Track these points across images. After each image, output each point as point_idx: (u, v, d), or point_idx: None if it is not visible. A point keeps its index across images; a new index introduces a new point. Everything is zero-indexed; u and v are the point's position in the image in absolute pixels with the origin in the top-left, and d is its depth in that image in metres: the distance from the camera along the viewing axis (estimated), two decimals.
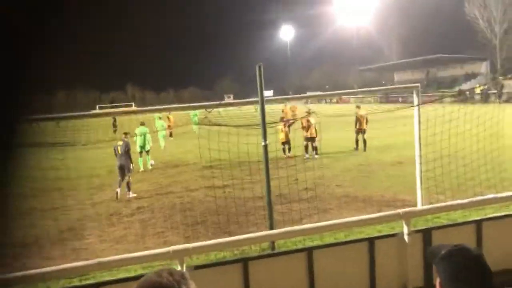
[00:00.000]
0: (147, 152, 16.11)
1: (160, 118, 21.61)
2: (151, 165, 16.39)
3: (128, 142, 12.29)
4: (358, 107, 17.81)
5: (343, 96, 52.64)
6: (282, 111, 21.12)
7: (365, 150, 16.70)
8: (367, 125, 16.97)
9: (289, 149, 16.29)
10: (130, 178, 11.86)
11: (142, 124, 16.82)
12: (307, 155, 15.55)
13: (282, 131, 15.74)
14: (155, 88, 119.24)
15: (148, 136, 16.10)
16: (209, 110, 6.17)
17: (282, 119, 16.55)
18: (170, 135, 24.81)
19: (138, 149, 15.76)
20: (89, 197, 11.50)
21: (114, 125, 28.32)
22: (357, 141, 17.13)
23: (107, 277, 5.45)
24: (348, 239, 6.16)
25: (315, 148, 15.76)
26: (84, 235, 8.46)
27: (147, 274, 1.30)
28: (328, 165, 13.74)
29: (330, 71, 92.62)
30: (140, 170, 15.67)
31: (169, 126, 23.03)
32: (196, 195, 11.00)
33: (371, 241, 5.07)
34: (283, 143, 16.23)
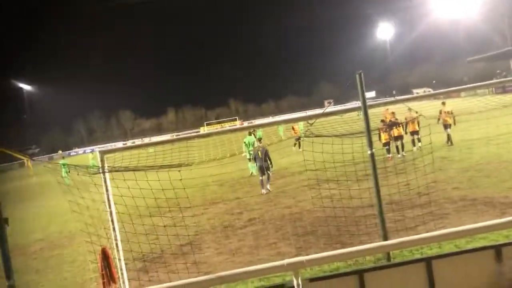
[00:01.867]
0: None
1: (250, 134, 20.38)
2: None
3: (265, 147, 14.56)
4: (443, 103, 18.48)
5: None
6: (383, 115, 20.59)
7: (452, 144, 17.39)
8: (454, 120, 17.86)
9: (389, 150, 16.93)
10: (270, 174, 14.35)
11: (250, 134, 18.89)
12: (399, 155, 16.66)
13: (383, 133, 16.21)
14: (256, 100, 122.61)
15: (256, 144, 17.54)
16: (310, 122, 6.20)
17: (382, 122, 16.88)
18: (295, 145, 23.97)
19: (248, 156, 17.85)
20: (203, 211, 12.19)
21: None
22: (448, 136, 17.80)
23: None
24: (470, 246, 5.76)
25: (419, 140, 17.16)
26: (202, 248, 8.95)
27: None
28: (441, 167, 12.94)
29: (435, 66, 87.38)
30: (252, 173, 17.72)
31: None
32: (304, 205, 11.05)
33: (497, 248, 4.68)
34: (384, 144, 16.74)
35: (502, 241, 5.59)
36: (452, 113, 17.69)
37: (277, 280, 5.78)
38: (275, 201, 12.43)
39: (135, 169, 6.15)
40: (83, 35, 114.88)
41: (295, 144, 23.47)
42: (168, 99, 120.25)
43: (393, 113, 17.72)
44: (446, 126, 17.72)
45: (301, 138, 18.21)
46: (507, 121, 13.80)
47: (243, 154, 18.44)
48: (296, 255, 7.31)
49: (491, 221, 5.37)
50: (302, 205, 11.17)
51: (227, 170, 18.26)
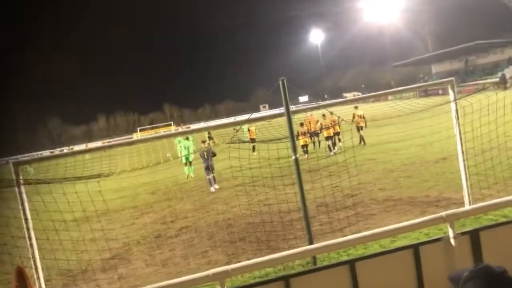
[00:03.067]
0: (190, 163, 18.78)
1: (187, 138, 20.23)
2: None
3: (211, 148, 15.81)
4: (356, 107, 20.28)
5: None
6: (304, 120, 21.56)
7: (365, 144, 19.32)
8: (365, 123, 19.50)
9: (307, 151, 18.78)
10: (215, 174, 15.45)
11: (187, 138, 19.21)
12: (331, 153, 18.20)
13: (301, 137, 18.26)
14: (191, 105, 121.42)
15: (191, 149, 18.94)
16: (236, 128, 6.15)
17: (301, 125, 19.26)
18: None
19: (184, 160, 18.31)
20: (132, 221, 11.77)
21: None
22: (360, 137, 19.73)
23: None
24: (393, 246, 5.95)
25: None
26: (131, 260, 8.61)
27: None
28: (368, 169, 13.44)
29: (364, 70, 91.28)
30: (190, 175, 18.53)
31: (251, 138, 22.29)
32: (236, 211, 11.00)
33: (415, 247, 4.86)
34: (302, 146, 18.58)
35: (421, 239, 5.84)
36: (364, 116, 19.48)
37: None
38: (208, 207, 12.28)
39: (50, 181, 5.75)
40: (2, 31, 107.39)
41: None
42: (99, 105, 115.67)
43: (317, 121, 19.27)
44: (359, 128, 19.58)
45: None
46: (429, 123, 14.61)
47: (180, 158, 18.54)
48: (227, 263, 7.22)
49: (407, 222, 5.59)
50: (234, 211, 11.10)
51: (160, 177, 17.84)
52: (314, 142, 20.87)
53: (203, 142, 17.24)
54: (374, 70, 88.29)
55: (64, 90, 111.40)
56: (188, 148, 18.64)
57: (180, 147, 18.98)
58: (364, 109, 20.49)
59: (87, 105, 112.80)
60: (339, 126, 18.49)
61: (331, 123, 18.64)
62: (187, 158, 18.31)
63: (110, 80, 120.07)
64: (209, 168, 15.29)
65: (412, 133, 16.91)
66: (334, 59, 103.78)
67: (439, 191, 9.63)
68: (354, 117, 19.45)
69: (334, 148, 18.81)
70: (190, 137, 20.34)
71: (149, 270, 7.94)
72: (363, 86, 79.50)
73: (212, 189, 15.07)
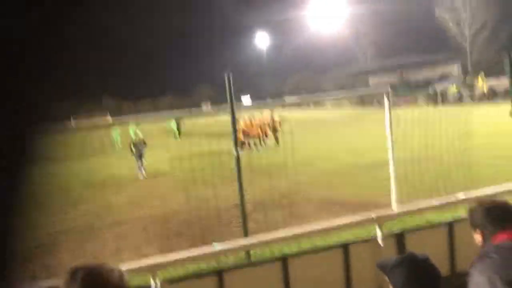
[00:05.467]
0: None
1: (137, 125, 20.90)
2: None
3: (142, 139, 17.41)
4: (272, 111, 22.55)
5: (319, 102, 52.91)
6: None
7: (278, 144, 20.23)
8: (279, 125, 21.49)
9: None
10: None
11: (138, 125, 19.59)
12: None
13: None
14: (131, 97, 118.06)
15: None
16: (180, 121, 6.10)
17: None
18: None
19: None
20: (63, 211, 11.29)
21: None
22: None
23: None
24: (324, 244, 6.17)
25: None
26: (58, 252, 8.26)
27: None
28: (304, 171, 13.78)
29: (306, 77, 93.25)
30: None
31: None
32: (172, 206, 10.87)
33: (345, 246, 5.08)
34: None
35: (350, 239, 6.10)
36: (279, 121, 21.80)
37: (136, 282, 5.56)
38: (143, 202, 12.04)
39: None
40: None
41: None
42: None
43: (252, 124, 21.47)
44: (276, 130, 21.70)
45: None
46: (362, 130, 15.27)
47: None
48: None
49: (339, 221, 5.83)
50: (170, 206, 10.96)
51: (93, 169, 17.26)
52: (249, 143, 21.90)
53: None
54: (314, 78, 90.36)
55: None
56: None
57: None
58: (303, 114, 21.08)
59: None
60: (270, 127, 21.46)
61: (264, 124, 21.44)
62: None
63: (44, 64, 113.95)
64: (141, 156, 16.87)
65: (347, 139, 17.60)
66: (278, 64, 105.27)
67: (370, 196, 10.07)
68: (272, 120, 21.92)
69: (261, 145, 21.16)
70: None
71: (78, 262, 7.66)
72: (304, 91, 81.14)
73: (141, 176, 16.35)
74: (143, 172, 16.66)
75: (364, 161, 14.62)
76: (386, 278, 1.93)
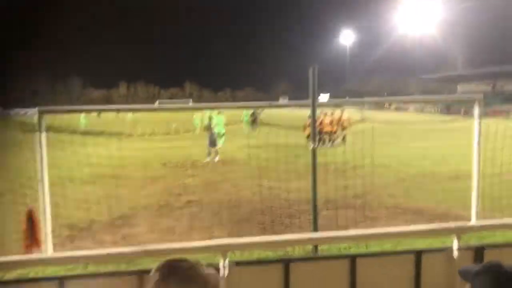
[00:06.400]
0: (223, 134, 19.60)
1: (219, 113, 21.62)
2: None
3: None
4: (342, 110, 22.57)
5: (402, 104, 51.06)
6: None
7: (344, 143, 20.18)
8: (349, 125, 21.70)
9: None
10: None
11: (219, 113, 19.75)
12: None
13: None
14: (212, 87, 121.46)
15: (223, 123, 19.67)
16: (259, 111, 6.21)
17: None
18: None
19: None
20: (142, 187, 11.98)
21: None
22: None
23: (153, 264, 5.62)
24: (395, 249, 6.01)
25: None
26: (135, 224, 8.80)
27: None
28: (380, 174, 13.42)
29: (390, 78, 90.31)
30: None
31: None
32: (244, 194, 11.11)
33: (418, 253, 4.91)
34: (307, 136, 19.65)
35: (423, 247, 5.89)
36: (348, 120, 22.23)
37: (206, 261, 5.78)
38: (216, 186, 12.42)
39: (72, 131, 5.91)
40: None
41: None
42: (122, 72, 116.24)
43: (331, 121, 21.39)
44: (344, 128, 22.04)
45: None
46: (447, 139, 14.53)
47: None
48: None
49: (415, 226, 5.64)
50: (242, 193, 11.21)
51: (174, 151, 18.08)
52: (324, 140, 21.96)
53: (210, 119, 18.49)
54: (399, 79, 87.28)
55: (88, 51, 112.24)
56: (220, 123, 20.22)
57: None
58: (384, 116, 20.42)
59: (110, 70, 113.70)
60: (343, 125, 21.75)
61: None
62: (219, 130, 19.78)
63: (136, 49, 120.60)
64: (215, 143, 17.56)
65: (429, 146, 16.84)
66: (361, 64, 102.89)
67: (448, 206, 9.61)
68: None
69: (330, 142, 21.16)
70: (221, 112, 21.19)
71: (152, 235, 8.11)
72: (385, 94, 78.66)
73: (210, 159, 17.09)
74: (212, 157, 17.28)
75: (445, 170, 13.94)
76: (468, 286, 1.88)
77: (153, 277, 1.43)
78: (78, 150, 6.70)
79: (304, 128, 19.12)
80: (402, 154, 17.34)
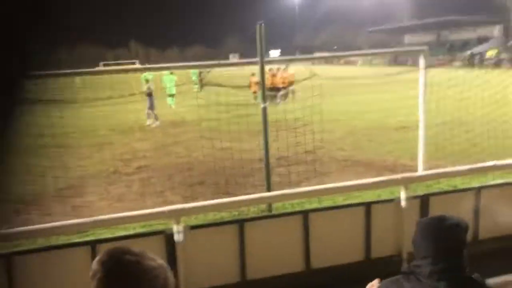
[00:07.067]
0: (173, 95, 20.37)
1: (171, 73, 21.05)
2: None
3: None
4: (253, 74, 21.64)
5: (350, 58, 51.68)
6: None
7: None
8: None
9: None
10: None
11: (171, 73, 20.30)
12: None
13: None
14: (159, 45, 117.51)
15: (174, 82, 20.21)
16: (208, 70, 6.03)
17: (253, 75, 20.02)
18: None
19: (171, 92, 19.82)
20: (89, 155, 11.57)
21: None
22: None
23: (106, 234, 5.51)
24: (346, 203, 6.16)
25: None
26: (84, 193, 8.53)
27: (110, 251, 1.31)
28: (330, 129, 13.62)
29: (338, 32, 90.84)
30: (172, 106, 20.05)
31: None
32: (196, 155, 10.97)
33: (367, 205, 5.05)
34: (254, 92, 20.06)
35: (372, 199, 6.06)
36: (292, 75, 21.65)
37: (160, 228, 5.71)
38: (167, 149, 12.20)
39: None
40: None
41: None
42: (64, 34, 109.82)
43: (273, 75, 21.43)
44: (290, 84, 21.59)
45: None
46: (393, 90, 14.84)
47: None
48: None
49: (364, 180, 5.78)
50: (194, 155, 11.07)
51: (121, 115, 17.50)
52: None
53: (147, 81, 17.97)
54: (348, 33, 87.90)
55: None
56: (171, 82, 20.32)
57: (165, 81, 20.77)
58: (333, 70, 20.59)
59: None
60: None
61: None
62: (170, 91, 20.25)
63: (77, 4, 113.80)
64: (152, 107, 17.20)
65: (376, 98, 17.19)
66: (310, 19, 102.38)
67: (396, 157, 9.94)
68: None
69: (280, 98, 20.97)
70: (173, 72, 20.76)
71: (103, 203, 7.91)
72: (335, 47, 79.17)
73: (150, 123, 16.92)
74: (152, 120, 17.09)
75: (393, 122, 14.34)
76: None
77: (96, 270, 1.25)
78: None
79: (250, 85, 19.71)
80: (351, 108, 17.66)
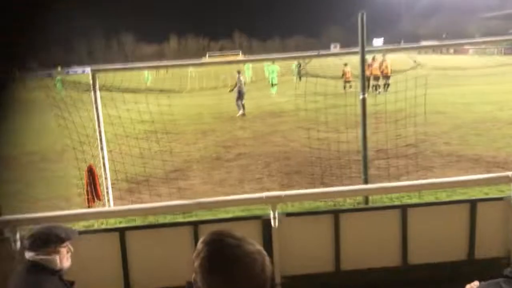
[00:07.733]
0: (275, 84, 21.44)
1: (273, 63, 22.05)
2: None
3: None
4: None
5: (461, 47, 48.17)
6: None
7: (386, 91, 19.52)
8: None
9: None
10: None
11: (273, 63, 21.21)
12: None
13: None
14: (261, 36, 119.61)
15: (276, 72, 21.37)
16: (306, 61, 6.08)
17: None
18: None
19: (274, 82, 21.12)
20: (195, 141, 12.29)
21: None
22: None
23: (207, 216, 5.86)
24: (449, 199, 5.87)
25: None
26: (189, 177, 9.11)
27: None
28: (436, 122, 12.92)
29: (448, 19, 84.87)
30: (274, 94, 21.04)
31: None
32: (294, 145, 11.13)
33: (472, 203, 4.77)
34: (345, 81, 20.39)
35: (479, 197, 5.70)
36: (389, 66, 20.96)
37: (258, 213, 5.93)
38: (266, 138, 12.51)
39: (124, 90, 6.10)
40: None
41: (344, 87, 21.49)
42: (171, 25, 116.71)
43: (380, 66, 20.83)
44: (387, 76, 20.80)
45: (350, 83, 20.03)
46: (508, 80, 13.60)
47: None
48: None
49: (469, 176, 5.45)
50: (292, 145, 11.24)
51: (223, 103, 18.25)
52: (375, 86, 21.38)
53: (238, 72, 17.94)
54: (459, 20, 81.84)
55: (139, 6, 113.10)
56: (273, 72, 21.47)
57: (268, 71, 22.05)
58: (441, 60, 19.34)
59: (160, 24, 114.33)
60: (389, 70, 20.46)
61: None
62: (273, 80, 21.41)
63: (183, 2, 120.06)
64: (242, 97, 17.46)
65: (488, 90, 15.91)
66: (416, 3, 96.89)
67: (508, 153, 9.17)
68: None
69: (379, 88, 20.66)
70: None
71: (206, 187, 8.40)
72: (444, 35, 74.23)
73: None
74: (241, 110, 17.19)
75: (505, 115, 13.19)
76: None
77: (200, 249, 1.36)
78: (131, 108, 6.93)
79: (343, 75, 20.02)
80: (459, 100, 16.55)
